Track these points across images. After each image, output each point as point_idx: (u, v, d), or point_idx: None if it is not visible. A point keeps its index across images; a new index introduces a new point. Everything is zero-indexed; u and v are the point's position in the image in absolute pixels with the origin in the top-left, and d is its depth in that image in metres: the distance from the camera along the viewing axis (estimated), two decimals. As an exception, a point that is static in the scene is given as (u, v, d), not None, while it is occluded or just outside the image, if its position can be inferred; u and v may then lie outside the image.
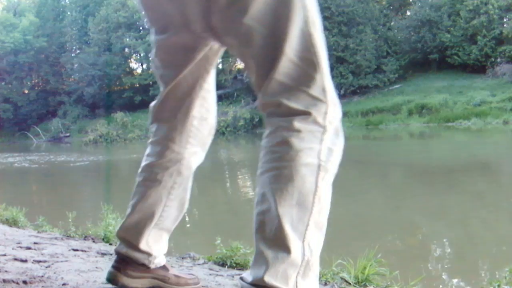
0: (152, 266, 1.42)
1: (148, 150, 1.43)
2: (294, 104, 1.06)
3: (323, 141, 1.07)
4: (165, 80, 1.34)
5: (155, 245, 1.41)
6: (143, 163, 1.43)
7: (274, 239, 1.05)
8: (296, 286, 1.05)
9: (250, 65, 1.11)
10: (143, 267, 1.41)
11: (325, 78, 1.07)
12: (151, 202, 1.39)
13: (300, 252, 1.05)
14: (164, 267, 1.45)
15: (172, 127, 1.38)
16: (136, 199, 1.40)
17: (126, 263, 1.41)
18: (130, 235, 1.41)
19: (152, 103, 1.42)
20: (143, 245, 1.40)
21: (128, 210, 1.42)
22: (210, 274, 1.83)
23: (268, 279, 1.03)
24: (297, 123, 1.05)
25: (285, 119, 1.06)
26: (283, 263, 1.04)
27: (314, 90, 1.06)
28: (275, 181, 1.06)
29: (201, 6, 1.10)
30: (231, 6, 1.06)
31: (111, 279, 1.42)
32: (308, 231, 1.06)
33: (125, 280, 1.40)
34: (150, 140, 1.44)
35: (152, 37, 1.32)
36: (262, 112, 1.12)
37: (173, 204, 1.40)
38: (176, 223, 1.44)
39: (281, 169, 1.06)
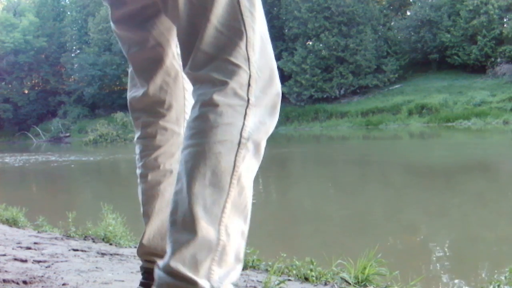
0: None
1: (140, 147, 1.29)
2: (216, 74, 0.97)
3: (247, 116, 0.97)
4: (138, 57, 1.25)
5: None
6: (140, 163, 1.29)
7: (182, 221, 0.97)
8: (210, 274, 0.96)
9: (178, 35, 1.04)
10: None
11: (250, 48, 0.99)
12: (169, 198, 1.24)
13: (213, 236, 0.96)
14: None
15: (167, 106, 1.26)
16: (151, 202, 1.27)
17: None
18: (155, 244, 1.27)
19: (131, 92, 1.30)
20: None
21: (145, 220, 1.27)
22: (210, 274, 1.82)
23: (174, 264, 0.95)
24: (216, 96, 0.96)
25: (205, 92, 0.98)
26: (188, 247, 0.95)
27: (236, 58, 0.97)
28: (189, 159, 0.97)
29: None
30: None
31: None
32: (225, 214, 0.97)
33: None
34: (139, 135, 1.29)
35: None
36: (193, 86, 1.05)
37: None
38: None
39: (195, 147, 0.97)
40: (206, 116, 0.97)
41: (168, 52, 1.23)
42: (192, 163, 0.97)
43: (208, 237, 0.96)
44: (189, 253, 0.95)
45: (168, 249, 0.98)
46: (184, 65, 1.04)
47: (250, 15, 0.99)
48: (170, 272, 0.95)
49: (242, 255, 1.03)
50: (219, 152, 0.96)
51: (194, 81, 1.03)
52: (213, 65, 0.98)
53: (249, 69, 0.99)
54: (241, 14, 0.98)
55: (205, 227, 0.95)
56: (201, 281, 0.95)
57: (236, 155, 0.97)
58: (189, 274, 0.95)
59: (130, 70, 1.29)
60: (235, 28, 0.98)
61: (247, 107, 0.98)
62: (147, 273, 1.27)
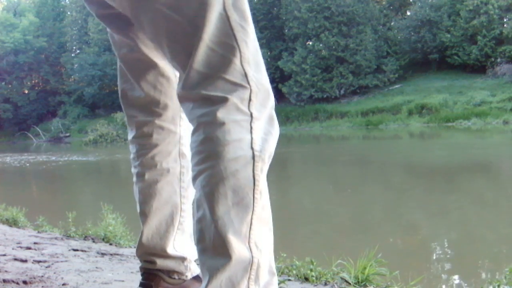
0: (189, 275, 1.28)
1: (136, 146, 1.26)
2: (213, 92, 0.96)
3: (253, 129, 0.96)
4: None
5: (184, 249, 1.28)
6: (137, 162, 1.27)
7: (213, 247, 0.95)
8: None
9: (166, 54, 1.02)
10: (178, 280, 1.27)
11: (246, 62, 0.97)
12: (166, 197, 1.26)
13: (246, 255, 0.95)
14: (198, 278, 1.28)
15: (163, 105, 1.24)
16: (148, 201, 1.26)
17: (158, 277, 1.26)
18: (154, 244, 1.26)
19: (125, 86, 1.27)
20: (170, 250, 1.26)
21: (142, 219, 1.26)
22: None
23: None
24: (220, 115, 0.94)
25: (206, 112, 0.96)
26: (224, 271, 0.93)
27: (233, 75, 0.96)
28: (207, 184, 0.96)
29: None
30: None
31: None
32: (252, 231, 0.96)
33: None
34: (134, 134, 1.26)
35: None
36: (182, 106, 1.02)
37: (188, 195, 1.27)
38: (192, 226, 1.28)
39: (209, 170, 0.95)
40: (214, 136, 0.95)
41: (158, 53, 1.20)
42: (210, 186, 0.95)
43: (242, 257, 0.95)
44: (224, 277, 0.94)
45: (204, 278, 0.97)
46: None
47: (241, 29, 0.97)
48: None
49: (274, 267, 1.02)
50: (236, 170, 0.94)
51: (184, 100, 1.00)
52: (209, 83, 0.96)
53: (249, 84, 0.97)
54: (232, 29, 0.96)
55: (237, 248, 0.94)
56: None
57: (253, 169, 0.96)
58: None
59: (119, 65, 1.27)
60: (227, 44, 0.96)
61: (251, 121, 0.96)
62: (147, 274, 1.26)
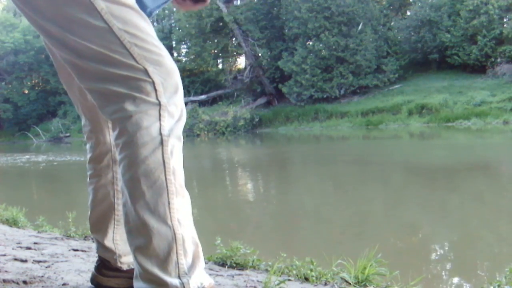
0: (124, 267, 1.41)
1: (87, 145, 1.45)
2: (119, 88, 1.04)
3: (162, 116, 1.05)
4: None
5: (122, 243, 1.40)
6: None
7: (135, 229, 1.05)
8: (178, 268, 1.05)
9: None
10: (116, 268, 1.41)
11: (142, 60, 1.05)
12: (101, 197, 1.40)
13: (167, 233, 1.04)
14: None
15: (93, 119, 1.37)
16: (90, 198, 1.42)
17: (102, 263, 1.42)
18: (96, 234, 1.42)
19: None
20: (107, 242, 1.40)
21: (89, 211, 1.43)
22: (210, 274, 1.83)
23: (145, 266, 1.04)
24: (129, 107, 1.04)
25: (116, 108, 1.05)
26: (147, 250, 1.04)
27: (135, 72, 1.05)
28: (124, 172, 1.06)
29: None
30: None
31: (91, 280, 1.45)
32: (172, 210, 1.05)
33: (100, 279, 1.42)
34: (85, 136, 1.45)
35: None
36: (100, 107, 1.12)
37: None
38: None
39: (125, 159, 1.05)
40: (124, 129, 1.04)
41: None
42: (127, 174, 1.05)
43: (162, 236, 1.04)
44: (150, 256, 1.04)
45: (133, 258, 1.07)
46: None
47: (127, 34, 1.04)
48: (142, 275, 1.05)
49: (197, 237, 1.12)
50: (145, 156, 1.03)
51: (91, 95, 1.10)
52: (109, 80, 1.04)
53: (151, 77, 1.05)
54: (120, 39, 1.04)
55: (156, 228, 1.03)
56: (171, 279, 1.04)
57: (163, 154, 1.04)
58: (159, 273, 1.04)
59: None
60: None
61: (160, 109, 1.05)
62: (98, 258, 1.43)
